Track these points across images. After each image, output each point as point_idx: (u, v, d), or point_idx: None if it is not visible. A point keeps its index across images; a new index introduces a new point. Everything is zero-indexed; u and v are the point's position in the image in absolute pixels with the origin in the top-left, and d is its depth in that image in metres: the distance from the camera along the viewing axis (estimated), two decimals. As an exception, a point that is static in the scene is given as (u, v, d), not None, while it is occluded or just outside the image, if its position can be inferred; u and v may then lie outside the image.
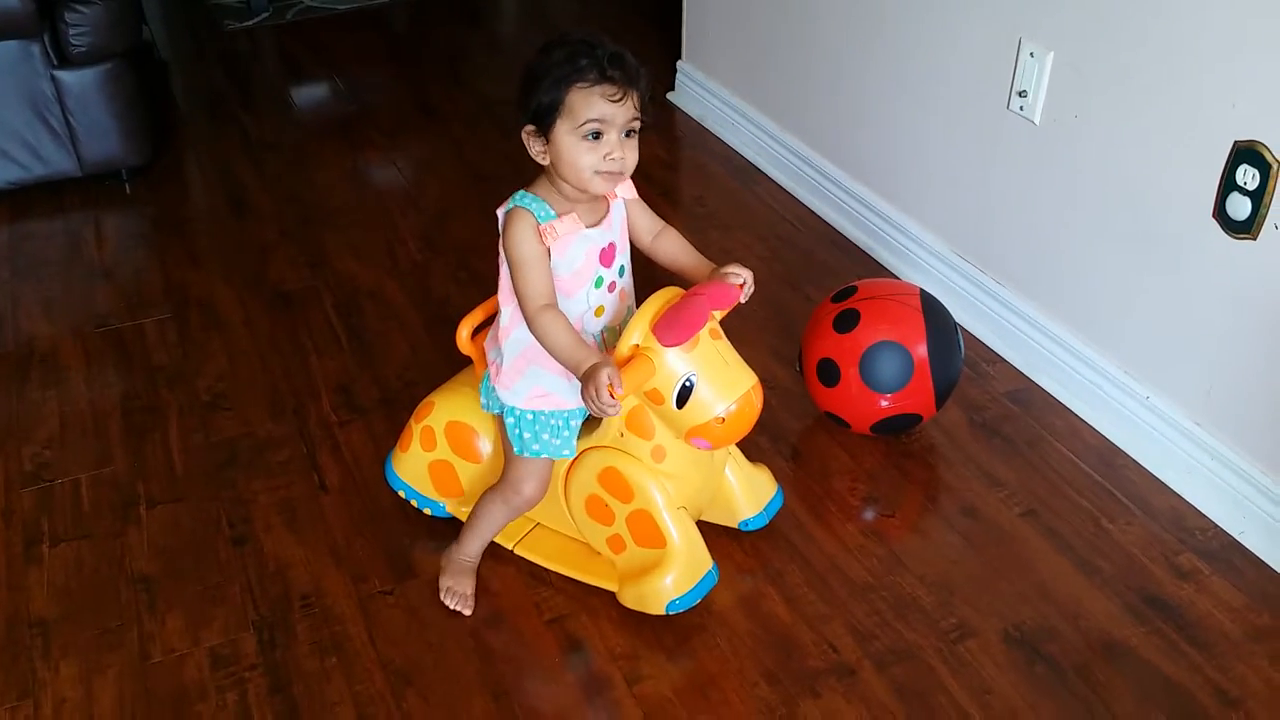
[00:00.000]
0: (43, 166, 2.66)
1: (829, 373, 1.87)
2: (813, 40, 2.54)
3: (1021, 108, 2.00)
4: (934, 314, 1.88)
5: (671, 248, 1.61)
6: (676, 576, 1.60)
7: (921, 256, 2.32)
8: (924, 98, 2.23)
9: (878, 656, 1.59)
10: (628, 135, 1.44)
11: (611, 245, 1.53)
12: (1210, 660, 1.58)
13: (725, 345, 1.53)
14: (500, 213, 1.50)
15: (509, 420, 1.58)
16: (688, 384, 1.48)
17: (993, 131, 2.08)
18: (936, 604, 1.67)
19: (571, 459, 1.61)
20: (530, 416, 1.57)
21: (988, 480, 1.89)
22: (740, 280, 1.53)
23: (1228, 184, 1.67)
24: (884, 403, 1.86)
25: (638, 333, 1.48)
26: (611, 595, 1.67)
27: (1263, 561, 1.72)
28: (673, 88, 3.16)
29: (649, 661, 1.59)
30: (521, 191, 1.50)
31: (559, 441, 1.58)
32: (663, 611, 1.62)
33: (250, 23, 3.70)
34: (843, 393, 1.87)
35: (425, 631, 1.64)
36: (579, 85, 1.40)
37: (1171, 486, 1.85)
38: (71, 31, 2.53)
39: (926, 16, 2.18)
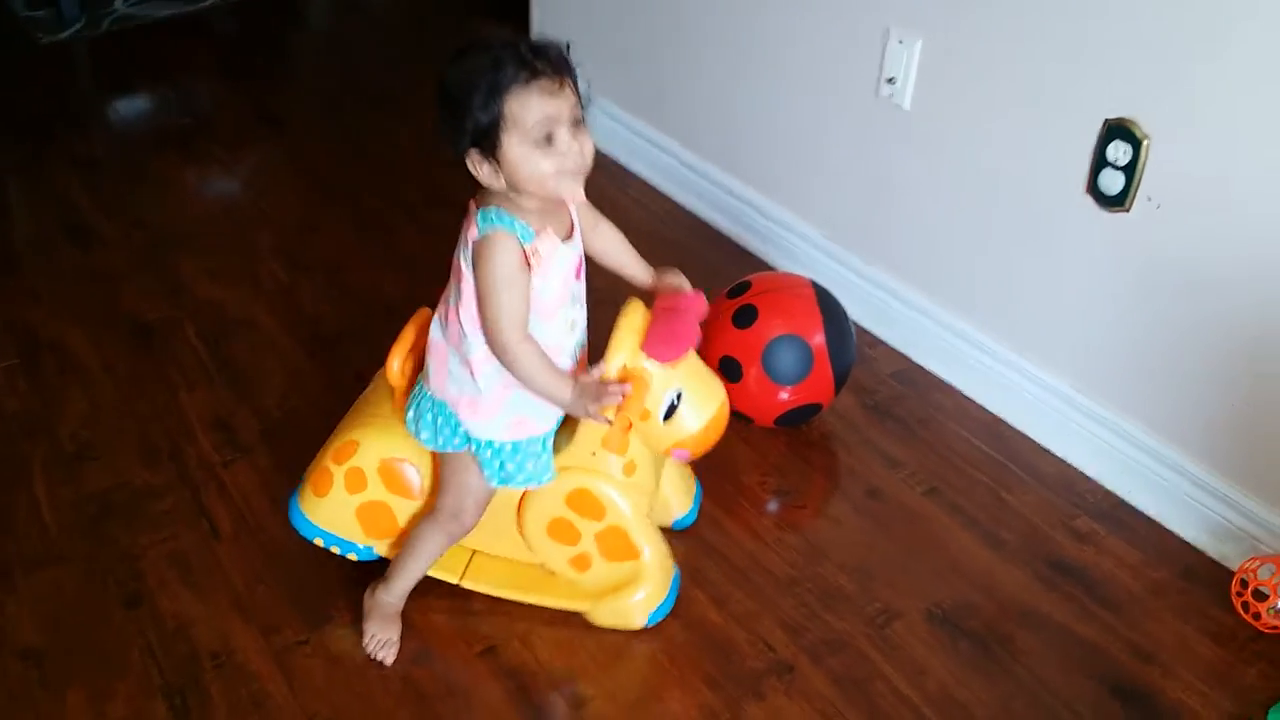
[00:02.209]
0: None
1: (731, 369, 1.87)
2: (675, 33, 2.53)
3: (891, 94, 2.04)
4: (827, 303, 1.91)
5: (610, 243, 1.56)
6: (653, 587, 1.60)
7: (799, 246, 2.35)
8: (793, 88, 2.25)
9: (812, 649, 1.61)
10: (575, 126, 1.34)
11: (580, 259, 1.47)
12: (1120, 619, 1.66)
13: (694, 355, 1.53)
14: (473, 236, 1.37)
15: (484, 455, 1.48)
16: (676, 399, 1.49)
17: (863, 119, 2.11)
18: (859, 590, 1.70)
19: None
20: (511, 447, 1.49)
21: (888, 462, 1.93)
22: (677, 286, 1.53)
23: (1099, 160, 1.74)
24: (786, 395, 1.88)
25: (624, 353, 1.45)
26: (541, 616, 1.64)
27: (1151, 518, 1.81)
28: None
29: (590, 682, 1.56)
30: (495, 209, 1.36)
31: (540, 467, 1.51)
32: (644, 624, 1.61)
33: (64, 35, 3.45)
34: (746, 388, 1.88)
35: (350, 679, 1.56)
36: (514, 90, 1.29)
37: (1058, 454, 1.93)
38: None
39: (792, 5, 2.19)
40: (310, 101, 3.13)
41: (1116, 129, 1.70)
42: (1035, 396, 1.95)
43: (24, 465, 1.89)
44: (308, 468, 1.67)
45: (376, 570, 1.62)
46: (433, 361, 1.49)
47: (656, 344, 1.46)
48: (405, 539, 1.61)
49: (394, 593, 1.59)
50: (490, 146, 1.32)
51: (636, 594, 1.61)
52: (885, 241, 2.17)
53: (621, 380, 1.44)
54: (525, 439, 1.49)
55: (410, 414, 1.53)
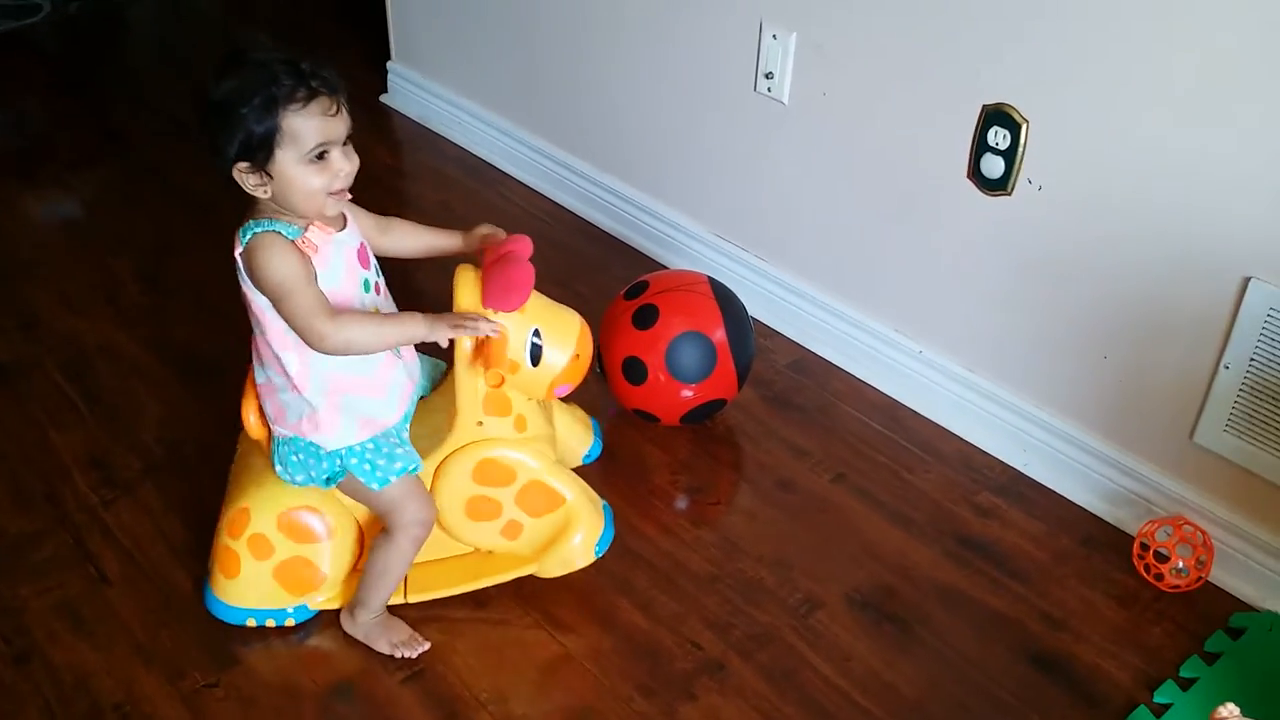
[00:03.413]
0: None
1: (635, 370, 1.86)
2: (540, 29, 2.50)
3: (769, 89, 2.06)
4: (725, 298, 1.91)
5: (409, 236, 1.57)
6: (587, 524, 1.61)
7: (683, 241, 2.35)
8: (669, 84, 2.25)
9: (739, 645, 1.61)
10: (345, 145, 1.37)
11: (362, 244, 1.47)
12: (1030, 589, 1.71)
13: (536, 294, 1.53)
14: (239, 251, 1.37)
15: (353, 463, 1.46)
16: (536, 341, 1.50)
17: (743, 114, 2.13)
18: (779, 582, 1.71)
19: (425, 475, 1.54)
20: (372, 446, 1.47)
21: (793, 451, 1.95)
22: (491, 235, 1.55)
23: (980, 145, 1.79)
24: (691, 392, 1.87)
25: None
26: (463, 634, 1.60)
27: (1048, 488, 1.88)
28: (385, 90, 3.03)
29: (520, 700, 1.53)
30: (252, 221, 1.37)
31: (408, 454, 1.50)
32: (594, 558, 1.62)
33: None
34: (651, 388, 1.87)
35: (266, 719, 1.49)
36: (291, 108, 1.30)
37: (954, 431, 1.98)
38: None
39: (664, 1, 2.19)
40: (151, 114, 2.98)
41: (995, 114, 1.75)
42: (928, 378, 2.00)
43: (-121, 523, 1.74)
44: (209, 555, 1.59)
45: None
46: (267, 404, 1.48)
47: (497, 295, 1.46)
48: (336, 585, 1.57)
49: (374, 609, 1.56)
50: (262, 160, 1.32)
51: (575, 536, 1.61)
52: (773, 235, 2.19)
53: (481, 343, 1.47)
54: (380, 433, 1.48)
55: (278, 467, 1.50)
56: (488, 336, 1.45)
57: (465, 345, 1.48)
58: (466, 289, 1.49)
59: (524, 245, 1.50)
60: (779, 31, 2.00)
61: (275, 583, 1.56)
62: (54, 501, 1.79)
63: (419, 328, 1.42)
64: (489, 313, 1.47)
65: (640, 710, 1.52)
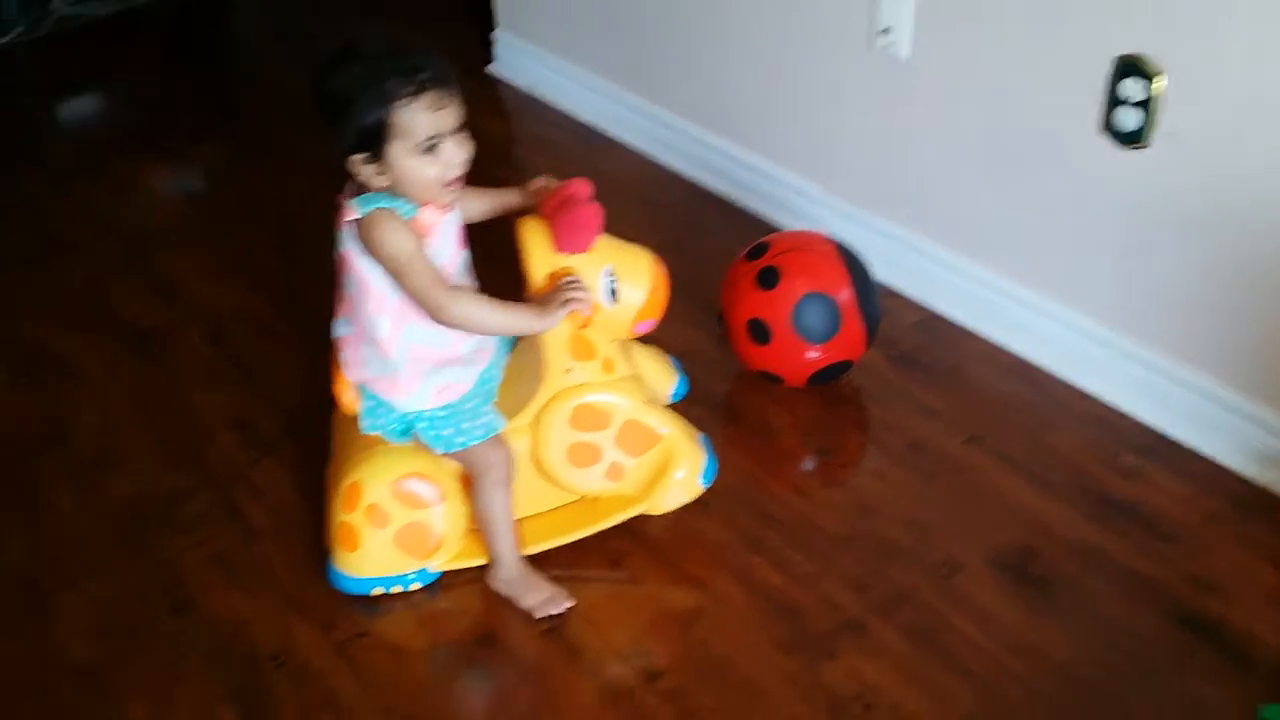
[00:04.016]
0: None
1: (760, 331, 1.85)
2: (656, -3, 2.49)
3: (887, 45, 2.02)
4: (850, 258, 1.89)
5: (475, 200, 1.59)
6: (689, 455, 1.64)
7: (797, 202, 2.33)
8: (780, 42, 2.23)
9: (879, 605, 1.59)
10: (457, 134, 1.41)
11: (463, 226, 1.51)
12: (1178, 551, 1.66)
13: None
14: (353, 217, 1.41)
15: (421, 426, 1.51)
16: (611, 279, 1.53)
17: (859, 70, 2.09)
18: (916, 543, 1.69)
19: (521, 430, 1.57)
20: (444, 413, 1.51)
21: (924, 412, 1.92)
22: (545, 183, 1.58)
23: (1112, 98, 1.74)
24: (817, 353, 1.86)
25: (542, 262, 1.51)
26: (599, 589, 1.62)
27: (1195, 451, 1.82)
28: (491, 60, 3.05)
29: (662, 654, 1.54)
30: (367, 195, 1.41)
31: (483, 422, 1.53)
32: (701, 489, 1.66)
33: (5, 40, 3.31)
34: (776, 349, 1.86)
35: (417, 669, 1.53)
36: (401, 103, 1.33)
37: (1093, 392, 1.94)
38: None
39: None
40: (271, 91, 3.04)
41: (1128, 65, 1.70)
42: (1064, 337, 1.96)
43: (44, 479, 1.81)
44: (326, 535, 1.64)
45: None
46: (345, 353, 1.53)
47: (567, 237, 1.49)
48: (455, 545, 1.61)
49: (508, 564, 1.59)
50: (375, 152, 1.36)
51: (678, 470, 1.64)
52: (893, 192, 2.15)
53: (557, 283, 1.50)
54: (456, 400, 1.52)
55: (360, 412, 1.56)
56: (563, 276, 1.49)
57: (538, 284, 1.51)
58: (535, 238, 1.51)
59: (583, 186, 1.51)
60: (904, -15, 1.97)
61: (396, 549, 1.59)
62: (201, 460, 1.85)
63: (532, 321, 1.47)
64: (561, 259, 1.49)
65: (782, 666, 1.52)
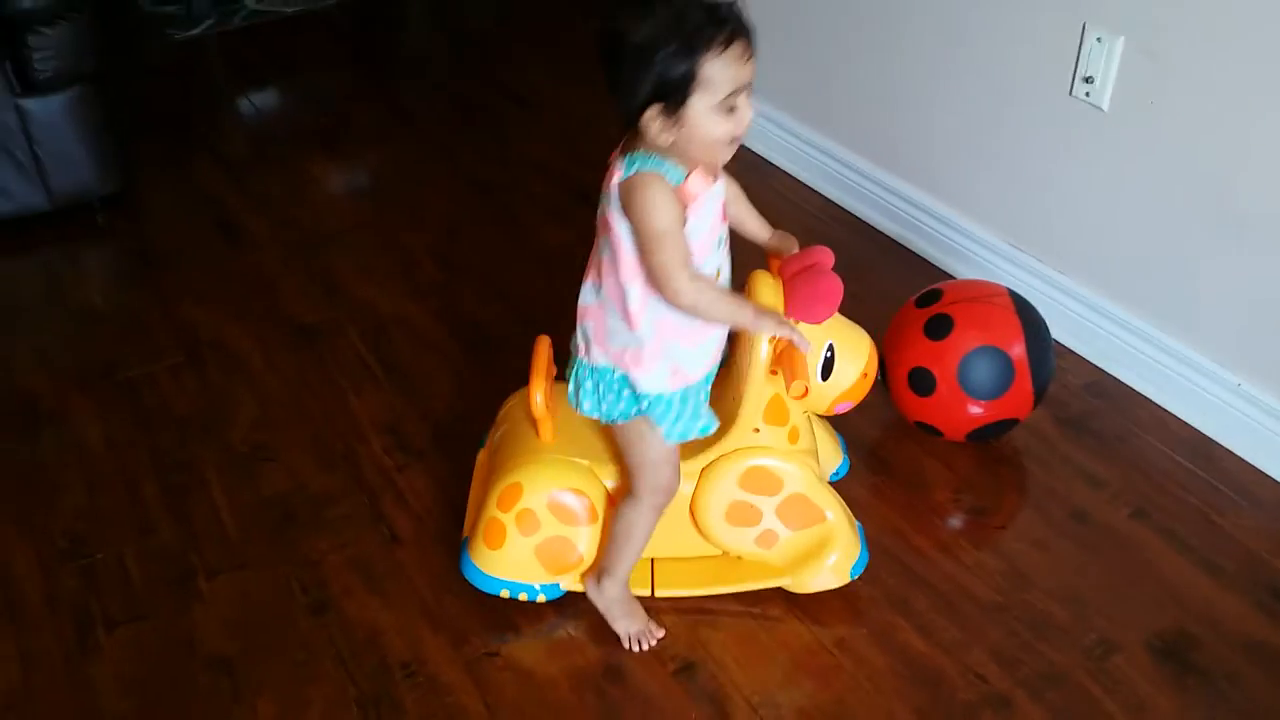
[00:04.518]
0: (8, 202, 2.44)
1: (923, 382, 1.79)
2: (825, 19, 2.44)
3: (1088, 94, 1.94)
4: (1026, 313, 1.81)
5: (732, 196, 1.50)
6: (845, 543, 1.59)
7: (969, 248, 2.25)
8: (968, 82, 2.16)
9: (1028, 683, 1.52)
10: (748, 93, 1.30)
11: (724, 202, 1.43)
12: (1359, 657, 1.55)
13: None
14: (618, 179, 1.32)
15: (659, 410, 1.44)
16: (828, 355, 1.50)
17: (1054, 119, 2.01)
18: (1072, 619, 1.60)
19: (691, 473, 1.54)
20: (679, 398, 1.45)
21: (1088, 480, 1.83)
22: (787, 241, 1.53)
23: (1339, 166, 1.63)
24: (981, 409, 1.79)
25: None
26: (736, 634, 1.58)
27: (1382, 548, 1.69)
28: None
29: (793, 712, 1.49)
30: (642, 153, 1.31)
31: (708, 415, 1.47)
32: (848, 580, 1.60)
33: (195, 31, 3.47)
34: (939, 402, 1.79)
35: (544, 694, 1.51)
36: (710, 54, 1.23)
37: (1273, 475, 1.81)
38: (36, 56, 2.32)
39: (983, 4, 2.10)
40: (443, 98, 3.10)
41: (1359, 132, 1.59)
42: (1247, 414, 1.83)
43: (200, 468, 1.87)
44: (471, 522, 1.64)
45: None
46: (589, 325, 1.45)
47: (804, 305, 1.46)
48: (600, 548, 1.58)
49: (618, 581, 1.56)
50: (674, 106, 1.26)
51: (830, 556, 1.59)
52: (1076, 247, 2.06)
53: (776, 352, 1.45)
54: (689, 387, 1.46)
55: (570, 386, 1.50)
56: (790, 346, 1.42)
57: (764, 351, 1.46)
58: (769, 296, 1.47)
59: (827, 256, 1.47)
60: (1104, 34, 1.88)
61: (535, 559, 1.58)
62: (351, 462, 1.88)
63: (748, 315, 1.40)
64: (790, 321, 1.44)
65: (918, 735, 1.46)
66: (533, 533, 1.57)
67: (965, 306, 1.81)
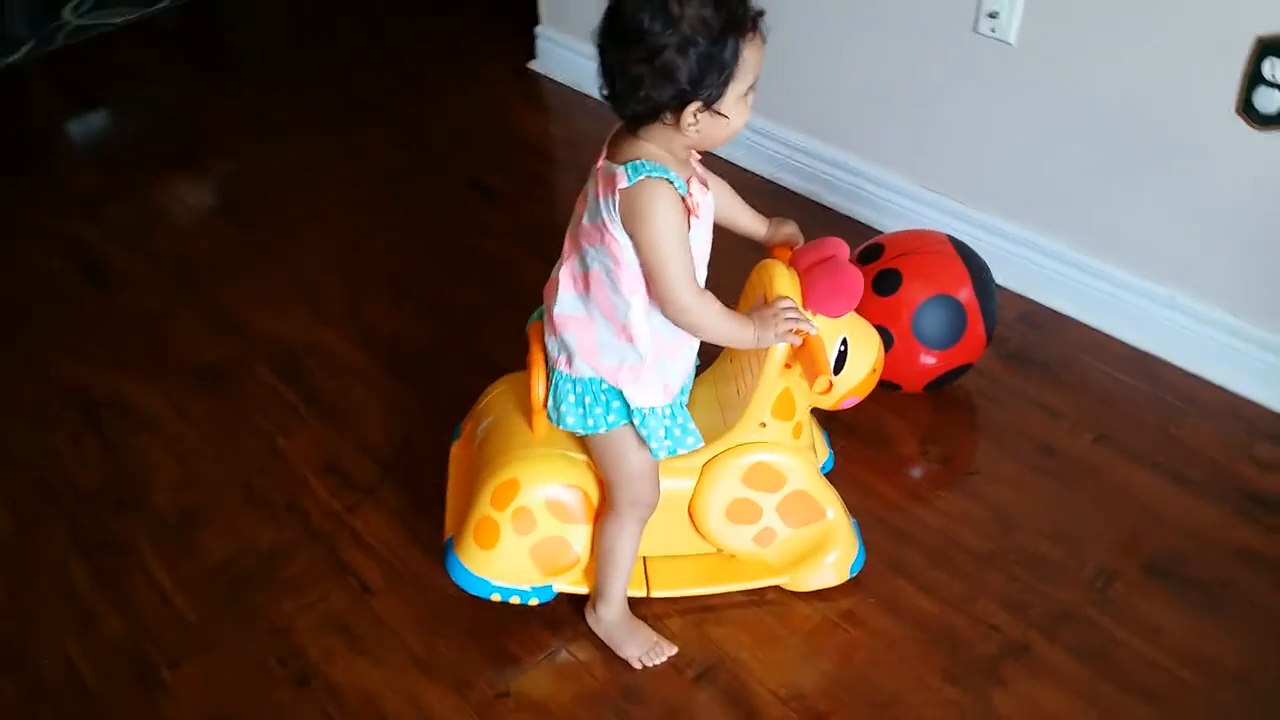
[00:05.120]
0: None
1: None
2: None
3: (993, 30, 1.93)
4: (970, 258, 1.80)
5: (724, 196, 1.47)
6: (844, 541, 1.56)
7: (887, 198, 2.24)
8: (875, 30, 2.13)
9: (1040, 625, 1.52)
10: None
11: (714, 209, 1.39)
12: (1336, 547, 1.61)
13: None
14: (621, 186, 1.24)
15: (650, 426, 1.38)
16: (841, 349, 1.46)
17: (963, 57, 2.00)
18: (1065, 555, 1.62)
19: (693, 468, 1.48)
20: (670, 412, 1.39)
21: (1045, 412, 1.85)
22: (794, 239, 1.50)
23: (1253, 79, 1.66)
24: (938, 359, 1.78)
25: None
26: (745, 628, 1.54)
27: (1331, 436, 1.76)
28: (534, 56, 2.93)
29: (821, 695, 1.46)
30: (644, 161, 1.25)
31: (694, 429, 1.42)
32: (847, 578, 1.57)
33: (16, 57, 3.15)
34: (895, 356, 1.77)
35: (566, 727, 1.44)
36: (747, 38, 1.20)
37: (1216, 381, 1.87)
38: None
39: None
40: (312, 100, 2.91)
41: (1272, 46, 1.62)
42: (1183, 326, 1.88)
43: (129, 544, 1.70)
44: (456, 523, 1.54)
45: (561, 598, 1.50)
46: (572, 337, 1.37)
47: (825, 298, 1.41)
48: (591, 559, 1.51)
49: (615, 605, 1.49)
50: (715, 96, 1.21)
51: (830, 554, 1.56)
52: (994, 184, 2.06)
53: (794, 347, 1.41)
54: (676, 400, 1.41)
55: (550, 403, 1.42)
56: (810, 342, 1.37)
57: (780, 346, 1.41)
58: (786, 287, 1.41)
59: (842, 249, 1.43)
60: (1000, -35, 1.87)
61: (530, 560, 1.50)
62: (297, 510, 1.75)
63: (750, 334, 1.36)
64: (807, 313, 1.40)
65: (951, 699, 1.44)
66: (529, 532, 1.48)
67: (910, 259, 1.79)
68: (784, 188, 2.43)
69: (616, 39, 1.21)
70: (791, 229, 1.52)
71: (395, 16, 3.35)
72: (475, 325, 2.08)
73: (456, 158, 2.62)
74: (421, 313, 2.13)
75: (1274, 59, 1.62)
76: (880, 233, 2.21)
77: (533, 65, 2.94)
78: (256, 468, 1.82)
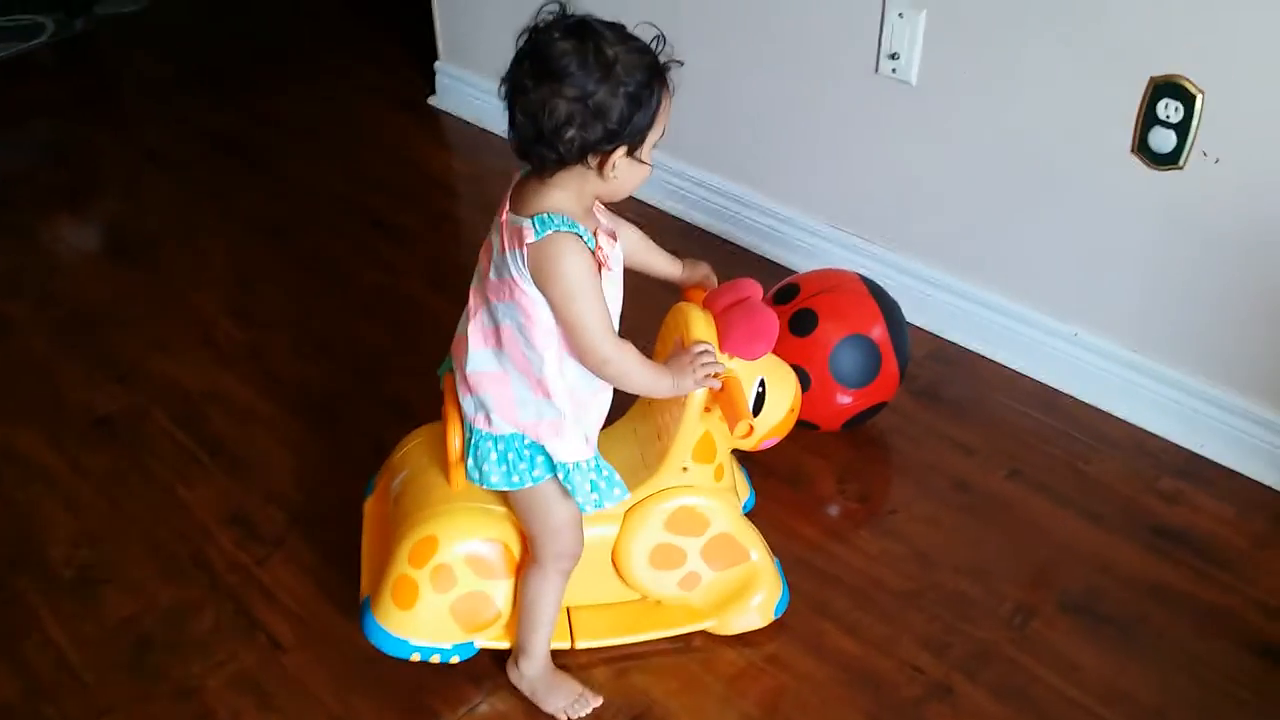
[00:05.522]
0: None
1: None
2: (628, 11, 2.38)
3: (894, 70, 1.97)
4: (881, 296, 1.83)
5: (635, 242, 1.46)
6: (769, 583, 1.55)
7: (793, 235, 2.26)
8: (775, 68, 2.15)
9: (962, 665, 1.53)
10: None
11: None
12: (1237, 577, 1.64)
13: None
14: (529, 240, 1.22)
15: (576, 480, 1.35)
16: (760, 390, 1.45)
17: (865, 97, 2.03)
18: (984, 593, 1.63)
19: (615, 514, 1.46)
20: (595, 464, 1.37)
21: (959, 449, 1.87)
22: (709, 279, 1.51)
23: (1148, 119, 1.71)
24: (854, 398, 1.79)
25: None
26: (672, 677, 1.51)
27: (1231, 470, 1.81)
28: (434, 92, 2.90)
29: (753, 742, 1.45)
30: (551, 215, 1.23)
31: (618, 480, 1.39)
32: (772, 619, 1.56)
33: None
34: (813, 397, 1.77)
35: (493, 786, 1.40)
36: (667, 89, 1.22)
37: (1120, 416, 1.91)
38: None
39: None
40: (193, 132, 2.83)
41: (1166, 87, 1.67)
42: (1087, 361, 1.93)
43: (24, 605, 1.61)
44: (373, 582, 1.49)
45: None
46: (489, 396, 1.33)
47: (743, 342, 1.41)
48: (514, 613, 1.47)
49: (538, 660, 1.45)
50: (635, 146, 1.23)
51: (755, 596, 1.55)
52: (899, 221, 2.10)
53: (713, 391, 1.40)
54: (596, 455, 1.38)
55: (470, 462, 1.37)
56: (729, 385, 1.37)
57: (698, 392, 1.40)
58: (702, 331, 1.40)
59: (756, 290, 1.43)
60: (905, 9, 1.91)
61: (450, 618, 1.46)
62: (201, 565, 1.67)
63: (667, 383, 1.35)
64: (723, 357, 1.39)
65: (877, 742, 1.45)
66: (448, 590, 1.44)
67: (825, 298, 1.80)
68: (696, 226, 2.43)
69: (544, 76, 1.19)
70: (705, 270, 1.52)
71: (291, 47, 3.29)
72: (383, 367, 2.03)
73: (357, 195, 2.57)
74: (326, 355, 2.08)
75: (1168, 99, 1.67)
76: (793, 271, 2.23)
77: (432, 101, 2.90)
78: (157, 520, 1.75)
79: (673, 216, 2.46)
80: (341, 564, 1.62)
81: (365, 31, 3.34)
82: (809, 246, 2.24)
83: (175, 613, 1.60)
